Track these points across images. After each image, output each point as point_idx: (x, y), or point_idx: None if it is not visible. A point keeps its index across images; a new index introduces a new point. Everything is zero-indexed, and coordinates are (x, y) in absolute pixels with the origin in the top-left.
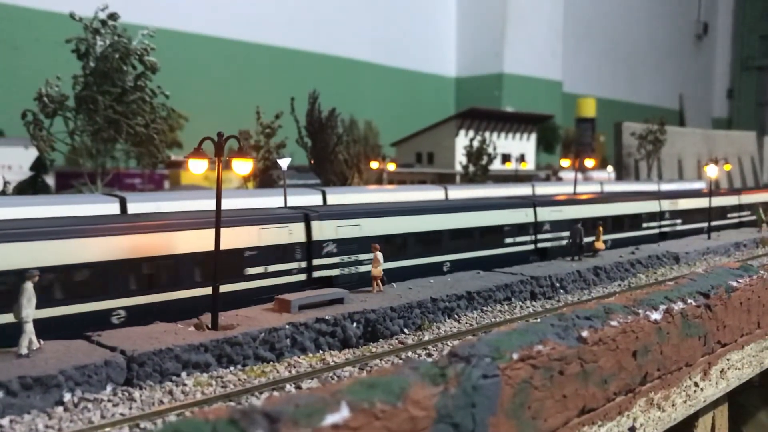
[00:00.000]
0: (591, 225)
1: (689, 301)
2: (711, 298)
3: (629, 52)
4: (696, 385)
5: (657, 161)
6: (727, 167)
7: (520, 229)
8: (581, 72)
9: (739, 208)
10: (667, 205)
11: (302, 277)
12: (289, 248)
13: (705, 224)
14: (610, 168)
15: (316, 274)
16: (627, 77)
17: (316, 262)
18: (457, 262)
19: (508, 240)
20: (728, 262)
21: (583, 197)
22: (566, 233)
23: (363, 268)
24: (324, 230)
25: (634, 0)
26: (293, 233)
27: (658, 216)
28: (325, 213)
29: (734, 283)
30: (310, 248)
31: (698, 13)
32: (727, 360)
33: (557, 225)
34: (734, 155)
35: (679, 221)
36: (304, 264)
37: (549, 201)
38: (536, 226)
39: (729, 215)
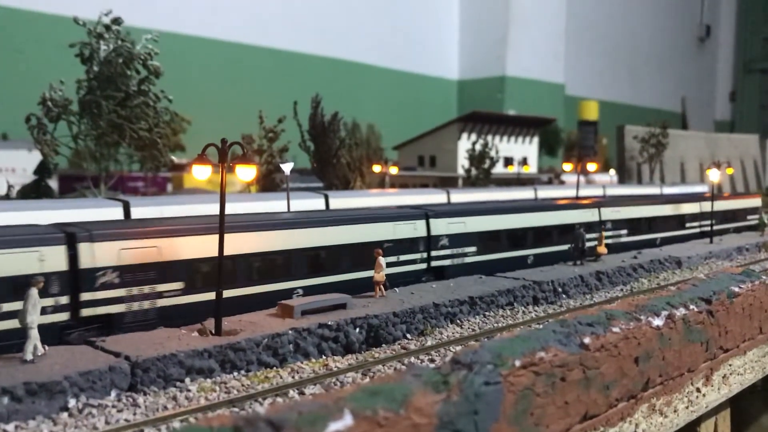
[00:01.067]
0: (506, 237)
1: (691, 306)
2: (713, 303)
3: (632, 55)
4: (698, 390)
5: (659, 164)
6: (730, 171)
7: (407, 245)
8: (583, 75)
9: (701, 216)
10: (608, 213)
11: (63, 316)
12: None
13: (658, 235)
14: (612, 171)
15: (87, 312)
16: (629, 80)
17: (86, 296)
18: (315, 288)
19: (390, 258)
20: (730, 267)
21: (503, 206)
22: (472, 249)
23: (163, 302)
24: (99, 255)
25: (637, 3)
26: (46, 260)
27: (597, 226)
28: (105, 232)
29: (736, 289)
30: (78, 279)
31: (701, 16)
32: (729, 365)
33: (458, 239)
34: (737, 158)
35: (623, 232)
36: (65, 300)
37: (448, 212)
38: (430, 241)
39: (688, 224)
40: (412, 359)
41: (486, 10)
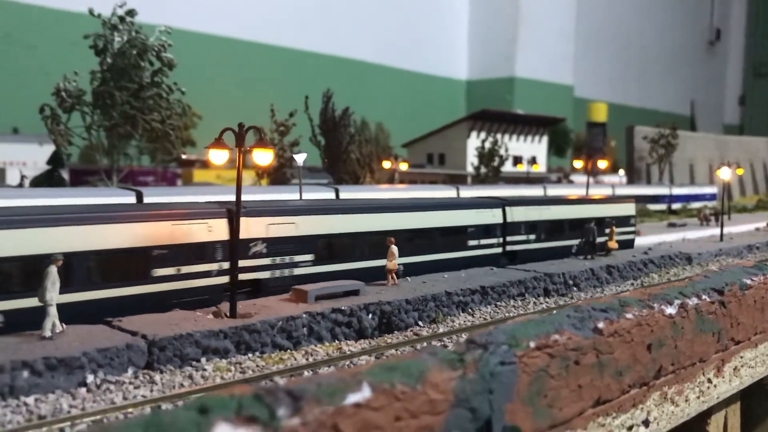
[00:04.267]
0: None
1: (704, 297)
2: (725, 294)
3: (641, 58)
4: (709, 381)
5: (669, 165)
6: (740, 171)
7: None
8: (592, 77)
9: (503, 228)
10: (258, 228)
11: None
12: None
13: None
14: (621, 172)
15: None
16: (638, 82)
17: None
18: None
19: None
20: (742, 261)
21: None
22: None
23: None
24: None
25: (647, 5)
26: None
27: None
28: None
29: (748, 281)
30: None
31: (711, 19)
32: (741, 357)
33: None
34: (746, 161)
35: (303, 259)
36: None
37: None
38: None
39: (474, 242)
40: (424, 345)
41: (495, 11)
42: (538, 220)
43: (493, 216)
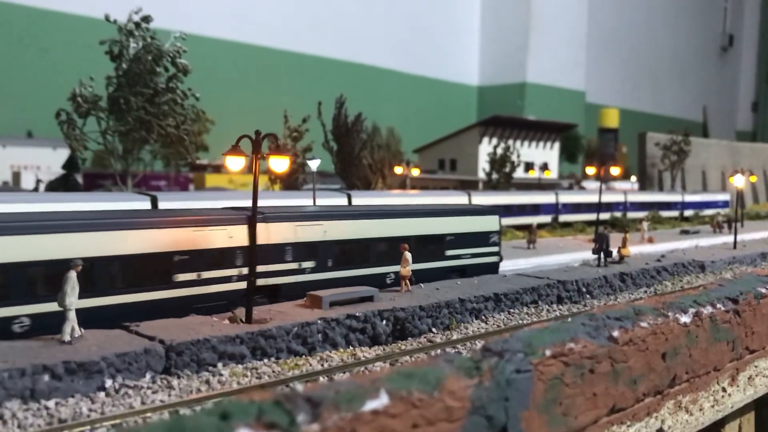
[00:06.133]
0: None
1: (718, 305)
2: (740, 303)
3: (653, 63)
4: (724, 390)
5: (681, 172)
6: (753, 179)
7: None
8: (604, 82)
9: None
10: None
11: None
12: None
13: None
14: (633, 178)
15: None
16: (650, 88)
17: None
18: None
19: None
20: (756, 269)
21: None
22: None
23: None
24: None
25: (659, 11)
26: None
27: None
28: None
29: (763, 290)
30: None
31: (724, 26)
32: (755, 367)
33: None
34: (759, 167)
35: None
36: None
37: None
38: None
39: (187, 275)
40: (438, 352)
41: (507, 17)
42: (320, 240)
43: (228, 237)
